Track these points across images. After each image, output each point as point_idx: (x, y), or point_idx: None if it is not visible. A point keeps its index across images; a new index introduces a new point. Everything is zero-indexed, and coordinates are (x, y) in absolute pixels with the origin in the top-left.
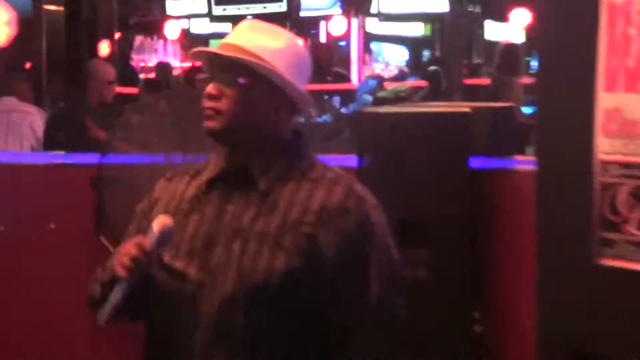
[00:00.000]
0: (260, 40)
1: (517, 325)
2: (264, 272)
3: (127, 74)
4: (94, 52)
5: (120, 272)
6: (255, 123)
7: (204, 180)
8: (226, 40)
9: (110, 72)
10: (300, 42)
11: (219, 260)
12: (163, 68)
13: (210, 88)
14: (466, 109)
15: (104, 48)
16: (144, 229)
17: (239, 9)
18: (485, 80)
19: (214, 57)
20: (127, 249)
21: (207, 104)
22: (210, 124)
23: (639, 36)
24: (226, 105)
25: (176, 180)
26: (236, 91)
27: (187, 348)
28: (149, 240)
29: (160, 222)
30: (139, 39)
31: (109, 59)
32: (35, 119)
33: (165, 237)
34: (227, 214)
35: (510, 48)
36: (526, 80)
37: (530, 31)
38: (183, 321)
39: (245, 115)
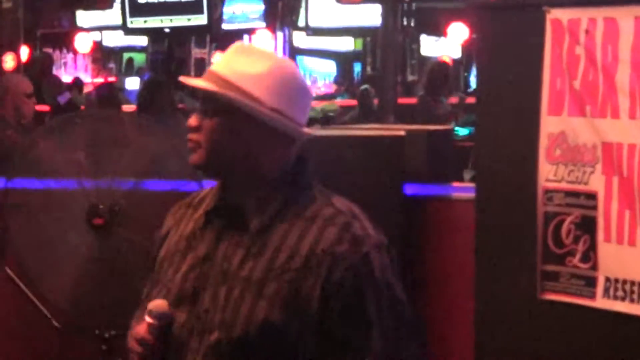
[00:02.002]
0: (241, 65)
1: None
2: (243, 322)
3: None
4: None
5: None
6: (237, 156)
7: (200, 214)
8: (211, 66)
9: (26, 85)
10: (289, 64)
11: (206, 307)
12: (50, 84)
13: (192, 119)
14: (400, 132)
15: (8, 61)
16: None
17: (161, 20)
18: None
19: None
20: (133, 346)
21: (189, 135)
22: (192, 158)
23: (587, 56)
24: (203, 137)
25: (182, 212)
26: (212, 122)
27: None
28: (150, 332)
29: (152, 312)
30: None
31: (15, 73)
32: None
33: (163, 321)
34: (219, 254)
35: (439, 66)
36: (468, 99)
37: (468, 47)
38: None
39: (223, 148)
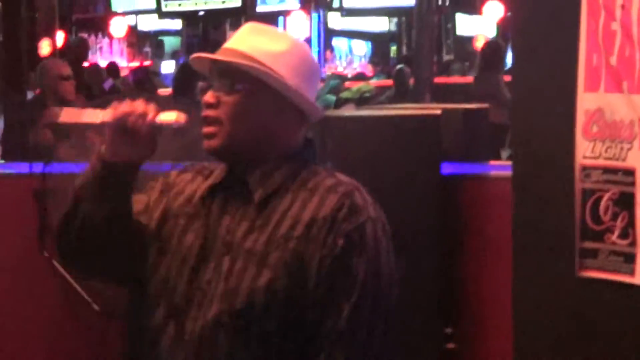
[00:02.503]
0: (260, 43)
1: (492, 341)
2: (246, 292)
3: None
4: (34, 51)
5: (110, 115)
6: (255, 132)
7: (208, 185)
8: (226, 44)
9: (62, 67)
10: (305, 45)
11: (209, 277)
12: (92, 71)
13: (208, 96)
14: (436, 111)
15: (44, 47)
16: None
17: (196, 3)
18: (456, 79)
19: (211, 63)
20: (132, 104)
21: (205, 112)
22: (211, 144)
23: (623, 32)
24: (224, 114)
25: (190, 176)
26: (234, 98)
27: None
28: (158, 117)
29: (177, 116)
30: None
31: (52, 57)
32: None
33: (171, 129)
34: (223, 226)
35: (492, 44)
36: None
37: (504, 25)
38: (167, 337)
39: (244, 125)
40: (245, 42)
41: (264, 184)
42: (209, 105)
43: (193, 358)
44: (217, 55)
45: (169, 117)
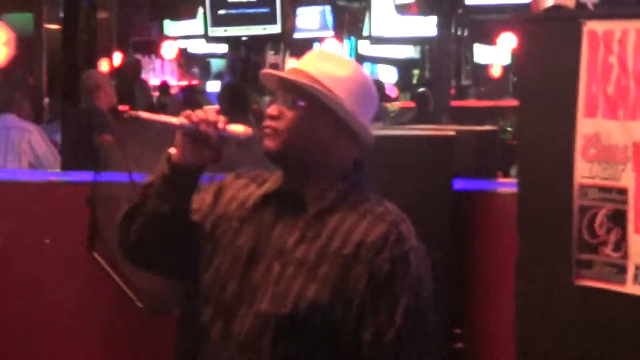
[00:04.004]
0: (325, 67)
1: (497, 342)
2: (293, 299)
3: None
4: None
5: (185, 119)
6: (310, 148)
7: (262, 193)
8: (295, 65)
9: (103, 74)
10: (366, 73)
11: (258, 279)
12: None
13: (271, 109)
14: (450, 132)
15: (104, 66)
16: (206, 205)
17: (239, 29)
18: (472, 102)
19: (279, 80)
20: (205, 112)
21: (266, 122)
22: (267, 143)
23: (619, 64)
24: (283, 126)
25: (244, 182)
26: (295, 113)
27: None
28: (227, 127)
29: (244, 129)
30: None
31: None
32: (33, 136)
33: (237, 140)
34: (275, 233)
35: None
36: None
37: (517, 54)
38: (216, 332)
39: (301, 138)
40: (312, 64)
41: (319, 199)
42: (272, 117)
43: (238, 354)
44: (282, 73)
45: (237, 129)
